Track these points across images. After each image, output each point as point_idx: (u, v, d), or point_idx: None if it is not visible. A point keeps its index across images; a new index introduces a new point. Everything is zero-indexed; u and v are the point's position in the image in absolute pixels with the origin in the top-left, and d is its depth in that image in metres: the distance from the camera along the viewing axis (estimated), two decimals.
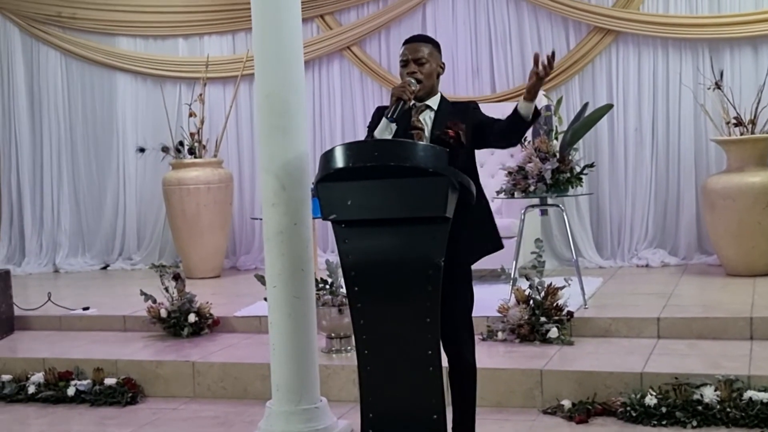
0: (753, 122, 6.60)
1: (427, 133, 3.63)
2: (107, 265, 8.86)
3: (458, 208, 3.36)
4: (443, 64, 3.77)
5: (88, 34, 8.86)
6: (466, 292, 3.64)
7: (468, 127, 3.60)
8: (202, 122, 8.07)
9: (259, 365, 5.06)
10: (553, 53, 3.50)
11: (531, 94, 3.50)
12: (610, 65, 7.53)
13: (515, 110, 3.52)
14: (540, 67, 3.44)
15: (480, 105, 3.78)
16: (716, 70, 6.91)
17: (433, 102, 3.70)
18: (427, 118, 3.67)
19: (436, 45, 3.74)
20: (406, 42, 3.74)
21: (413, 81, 3.61)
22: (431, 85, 3.68)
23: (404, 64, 3.68)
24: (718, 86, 6.71)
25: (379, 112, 3.66)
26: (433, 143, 3.53)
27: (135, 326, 6.19)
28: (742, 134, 6.60)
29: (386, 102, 3.80)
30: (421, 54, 3.65)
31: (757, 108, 6.63)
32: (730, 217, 6.46)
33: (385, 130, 3.58)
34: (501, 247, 3.72)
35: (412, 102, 3.64)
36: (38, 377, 5.41)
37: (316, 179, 3.44)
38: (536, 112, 3.53)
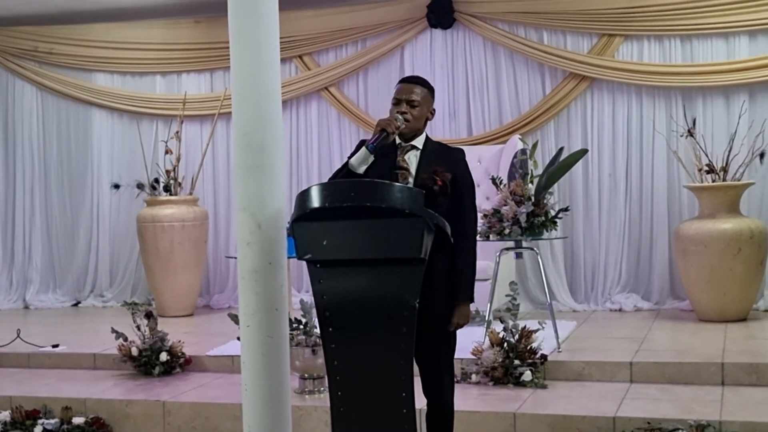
0: (725, 170, 6.68)
1: (413, 171, 3.65)
2: (78, 302, 8.77)
3: (438, 251, 3.37)
4: (434, 110, 3.79)
5: (65, 70, 8.85)
6: (450, 337, 3.66)
7: (452, 177, 3.62)
8: (178, 159, 8.05)
9: (230, 405, 5.01)
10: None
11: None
12: (585, 111, 7.61)
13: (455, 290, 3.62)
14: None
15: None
16: (689, 117, 7.01)
17: (419, 142, 3.72)
18: (412, 158, 3.69)
19: (431, 90, 3.77)
20: (403, 81, 3.78)
21: (400, 117, 3.63)
22: (419, 128, 3.71)
23: (396, 102, 3.69)
24: (690, 134, 6.78)
25: (362, 145, 3.65)
26: (418, 185, 3.55)
27: (105, 364, 6.12)
28: (714, 181, 6.67)
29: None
30: (415, 96, 3.68)
31: (728, 156, 6.71)
32: (702, 263, 6.51)
33: (363, 161, 3.59)
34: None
35: (398, 140, 3.66)
36: (5, 415, 5.32)
37: (292, 218, 3.43)
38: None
